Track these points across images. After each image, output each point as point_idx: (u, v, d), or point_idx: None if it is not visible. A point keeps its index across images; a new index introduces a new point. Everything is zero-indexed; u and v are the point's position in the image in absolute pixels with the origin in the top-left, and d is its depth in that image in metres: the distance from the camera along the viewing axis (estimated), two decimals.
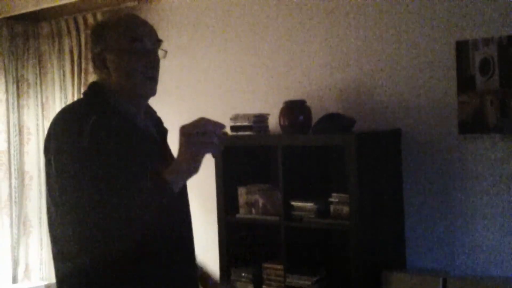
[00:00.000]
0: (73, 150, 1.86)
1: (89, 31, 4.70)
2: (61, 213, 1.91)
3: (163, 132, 2.19)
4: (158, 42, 2.09)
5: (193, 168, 1.88)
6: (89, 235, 1.81)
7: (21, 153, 5.26)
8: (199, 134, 1.87)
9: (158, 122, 2.19)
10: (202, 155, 1.88)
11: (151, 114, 2.16)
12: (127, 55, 2.01)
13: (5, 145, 5.16)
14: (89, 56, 4.84)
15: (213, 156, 1.91)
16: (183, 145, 1.88)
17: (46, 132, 5.29)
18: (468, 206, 3.32)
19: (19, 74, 5.25)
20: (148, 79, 2.04)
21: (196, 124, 1.89)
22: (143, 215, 1.83)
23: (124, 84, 2.03)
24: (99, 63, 2.04)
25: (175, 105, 4.33)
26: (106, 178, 1.82)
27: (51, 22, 5.13)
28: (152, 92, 2.08)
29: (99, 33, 2.05)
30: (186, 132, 1.88)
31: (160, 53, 2.08)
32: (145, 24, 2.09)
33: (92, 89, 2.09)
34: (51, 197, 1.97)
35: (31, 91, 5.27)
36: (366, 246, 3.26)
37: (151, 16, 4.48)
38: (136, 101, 2.08)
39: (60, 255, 2.00)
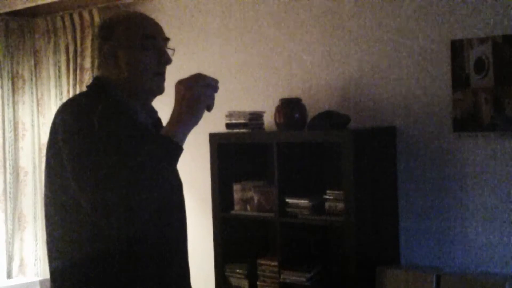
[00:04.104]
0: (85, 136, 1.86)
1: (90, 28, 4.73)
2: (75, 200, 1.90)
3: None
4: (166, 40, 2.11)
5: (196, 119, 1.94)
6: (112, 202, 1.80)
7: (16, 148, 5.26)
8: (201, 86, 1.93)
9: (157, 121, 2.20)
10: (204, 107, 1.94)
11: (152, 114, 2.17)
12: (140, 52, 2.03)
13: (0, 140, 5.16)
14: (86, 52, 4.85)
15: (208, 110, 1.97)
16: (185, 97, 1.92)
17: (41, 127, 5.28)
18: (462, 203, 3.34)
19: (14, 70, 5.25)
20: (158, 76, 2.07)
21: (196, 78, 1.96)
22: (156, 177, 1.85)
23: (135, 80, 2.04)
24: (110, 60, 2.04)
25: (170, 102, 4.33)
26: (120, 154, 1.84)
27: (47, 18, 5.13)
28: (161, 90, 2.10)
29: (110, 29, 2.06)
30: (188, 84, 1.93)
31: (169, 51, 2.10)
32: (154, 22, 2.12)
33: (96, 83, 2.10)
34: (51, 191, 1.98)
35: (26, 87, 5.27)
36: (361, 242, 3.28)
37: (147, 13, 4.47)
38: (143, 99, 2.09)
39: (56, 249, 2.00)
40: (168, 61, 2.09)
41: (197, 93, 1.93)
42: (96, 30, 2.13)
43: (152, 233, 1.97)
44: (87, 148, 1.84)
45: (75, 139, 1.88)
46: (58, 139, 1.93)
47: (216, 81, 1.99)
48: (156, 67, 2.06)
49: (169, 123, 1.94)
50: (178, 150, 1.91)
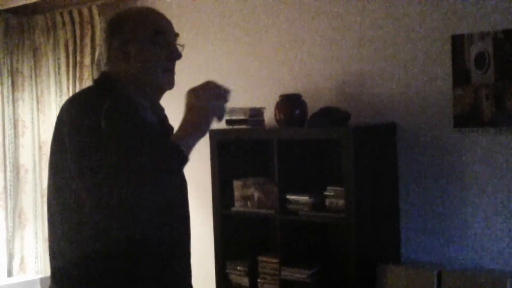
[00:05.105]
0: (91, 134, 1.84)
1: (90, 25, 4.72)
2: (75, 201, 1.88)
3: (168, 129, 2.18)
4: (176, 35, 2.10)
5: (204, 131, 1.95)
6: (113, 204, 1.79)
7: (16, 146, 5.25)
8: (212, 96, 1.94)
9: (163, 119, 2.18)
10: (213, 118, 1.95)
11: (158, 111, 2.15)
12: (151, 47, 2.02)
13: (0, 138, 5.16)
14: (86, 49, 4.84)
15: (219, 119, 1.99)
16: (195, 107, 1.94)
17: (41, 125, 5.27)
18: (463, 199, 3.33)
19: (14, 67, 5.24)
20: (168, 71, 2.06)
21: (207, 87, 1.97)
22: (158, 183, 1.84)
23: (145, 76, 2.03)
24: (119, 55, 2.03)
25: (171, 99, 4.32)
26: (125, 158, 1.81)
27: (46, 15, 5.11)
28: (171, 85, 2.10)
29: (120, 24, 2.04)
30: (198, 93, 1.94)
31: (178, 47, 2.09)
32: (165, 17, 2.11)
33: (104, 78, 2.07)
34: (54, 188, 1.96)
35: (26, 84, 5.26)
36: (361, 239, 3.27)
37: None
38: (152, 95, 2.08)
39: (58, 248, 1.99)
40: (178, 56, 2.09)
41: (207, 104, 1.93)
42: (104, 24, 2.11)
43: (154, 233, 1.96)
44: (93, 147, 1.82)
45: (80, 136, 1.86)
46: (63, 135, 1.91)
47: (228, 91, 1.99)
48: (166, 63, 2.06)
49: (177, 132, 1.94)
50: (184, 160, 1.90)
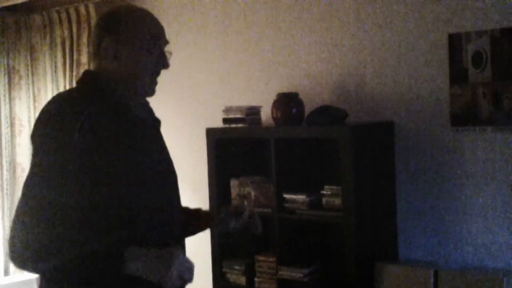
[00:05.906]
0: (59, 144, 1.82)
1: (86, 23, 4.70)
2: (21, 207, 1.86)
3: (157, 122, 2.16)
4: (166, 42, 2.09)
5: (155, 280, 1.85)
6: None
7: (12, 144, 5.24)
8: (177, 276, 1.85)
9: (150, 112, 2.17)
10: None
11: (145, 104, 2.13)
12: (143, 51, 1.99)
13: None
14: (83, 47, 4.82)
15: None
16: (170, 271, 1.84)
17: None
18: (460, 198, 3.33)
19: (10, 66, 5.23)
20: (153, 78, 2.04)
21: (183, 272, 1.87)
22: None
23: (132, 79, 2.00)
24: (110, 54, 1.99)
25: (168, 97, 4.32)
26: (82, 188, 1.81)
27: (43, 13, 5.10)
28: (153, 93, 2.08)
29: (113, 23, 2.01)
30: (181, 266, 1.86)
31: (167, 54, 2.08)
32: (159, 22, 2.08)
33: (88, 77, 2.04)
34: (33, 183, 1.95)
35: (22, 83, 5.25)
36: (359, 238, 3.27)
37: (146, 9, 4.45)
38: (134, 96, 2.06)
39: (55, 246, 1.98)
40: (167, 66, 2.06)
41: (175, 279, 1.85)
42: (97, 20, 2.07)
43: (148, 231, 1.95)
44: (60, 155, 1.81)
45: (45, 148, 1.85)
46: (35, 138, 1.91)
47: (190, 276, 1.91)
48: (154, 69, 2.03)
49: (142, 257, 1.85)
50: (116, 272, 1.83)
